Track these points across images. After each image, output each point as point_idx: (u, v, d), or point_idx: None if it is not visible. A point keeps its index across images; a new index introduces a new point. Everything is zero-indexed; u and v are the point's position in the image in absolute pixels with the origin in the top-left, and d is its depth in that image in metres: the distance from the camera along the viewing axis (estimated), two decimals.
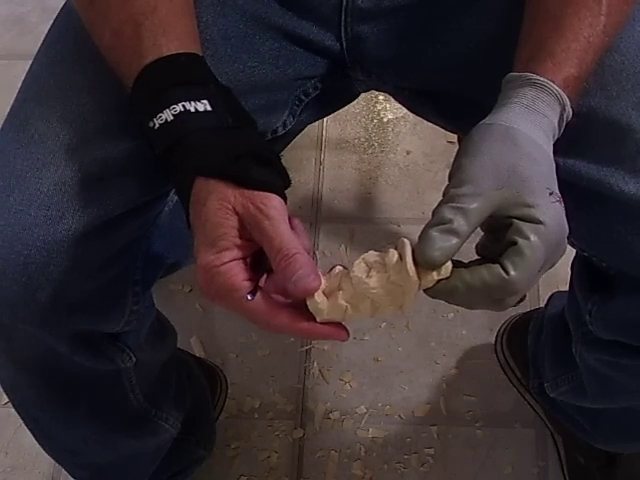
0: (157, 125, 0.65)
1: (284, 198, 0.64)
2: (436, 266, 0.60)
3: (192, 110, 0.65)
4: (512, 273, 0.60)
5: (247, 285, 0.62)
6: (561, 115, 0.67)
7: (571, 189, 0.74)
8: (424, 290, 0.62)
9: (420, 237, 0.61)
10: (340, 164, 1.53)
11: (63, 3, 0.84)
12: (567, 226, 0.64)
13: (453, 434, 1.29)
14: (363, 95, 1.00)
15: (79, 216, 0.72)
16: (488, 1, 0.80)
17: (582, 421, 1.10)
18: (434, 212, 0.62)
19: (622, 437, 1.07)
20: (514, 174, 0.62)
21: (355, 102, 1.01)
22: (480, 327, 1.36)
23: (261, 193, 0.63)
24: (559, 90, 0.66)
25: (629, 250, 0.74)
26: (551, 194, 0.63)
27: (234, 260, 0.62)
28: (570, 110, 0.68)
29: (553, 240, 0.62)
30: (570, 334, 0.95)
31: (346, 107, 1.01)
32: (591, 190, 0.73)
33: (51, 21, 0.83)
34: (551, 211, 0.62)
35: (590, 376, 0.96)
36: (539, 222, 0.61)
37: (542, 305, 1.22)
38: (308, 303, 0.62)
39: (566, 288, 0.96)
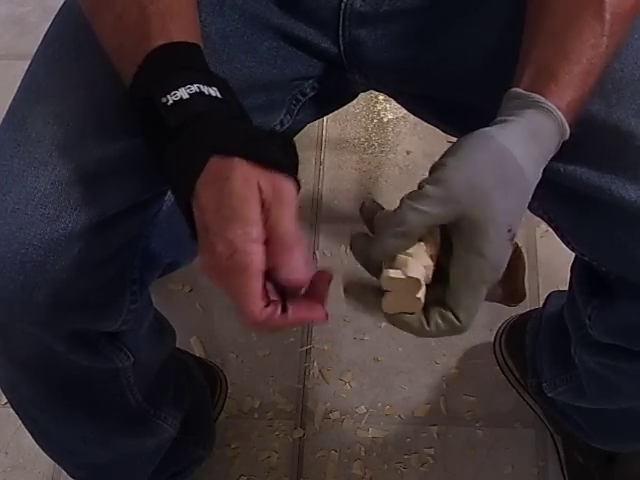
0: (171, 101, 0.64)
1: (298, 184, 0.64)
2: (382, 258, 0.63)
3: (206, 93, 0.65)
4: (464, 321, 0.63)
5: (260, 272, 0.61)
6: (559, 142, 0.67)
7: (572, 195, 0.75)
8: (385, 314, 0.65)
9: (377, 233, 0.65)
10: (340, 164, 1.53)
11: (62, 2, 0.84)
12: (505, 265, 0.65)
13: (453, 434, 1.29)
14: (363, 95, 1.00)
15: (76, 215, 0.72)
16: (487, 8, 0.79)
17: (580, 421, 1.10)
18: (399, 205, 0.64)
19: (620, 437, 1.07)
20: (486, 199, 0.62)
21: (355, 102, 1.01)
22: (480, 327, 1.36)
23: (280, 176, 0.62)
24: (562, 118, 0.66)
25: (629, 257, 0.74)
26: (509, 231, 0.63)
27: (258, 241, 0.61)
28: (568, 134, 0.67)
29: (489, 276, 0.63)
30: (568, 334, 0.95)
31: (346, 107, 1.01)
32: (592, 196, 0.73)
33: (51, 21, 0.83)
34: (498, 249, 0.63)
35: (589, 378, 0.96)
36: (482, 255, 0.62)
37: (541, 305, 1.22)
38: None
39: (566, 288, 0.96)
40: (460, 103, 0.70)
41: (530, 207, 0.81)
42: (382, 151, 1.54)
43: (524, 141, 0.65)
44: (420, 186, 0.64)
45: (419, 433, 1.29)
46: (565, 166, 0.73)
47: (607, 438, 1.09)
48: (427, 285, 0.63)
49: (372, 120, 1.57)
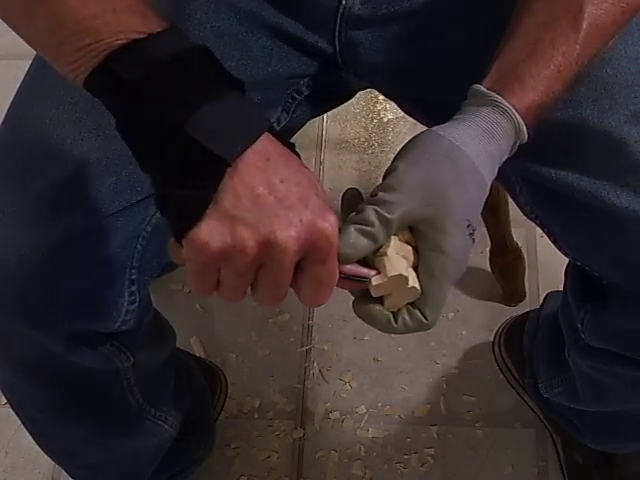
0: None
1: None
2: (344, 261, 0.62)
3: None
4: (430, 319, 0.64)
5: None
6: (515, 142, 0.67)
7: (564, 201, 0.75)
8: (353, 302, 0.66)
9: (341, 230, 0.62)
10: (340, 164, 1.53)
11: None
12: (468, 259, 0.65)
13: (453, 434, 1.29)
14: (363, 95, 0.99)
15: (73, 216, 0.72)
16: (483, 13, 0.79)
17: (576, 421, 1.10)
18: (360, 209, 0.63)
19: (615, 438, 1.07)
20: (442, 196, 0.63)
21: (355, 102, 1.00)
22: (480, 327, 1.36)
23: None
24: (519, 119, 0.66)
25: (621, 263, 0.75)
26: (468, 226, 0.64)
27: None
28: (526, 136, 0.67)
29: (456, 272, 0.64)
30: (564, 336, 0.95)
31: (346, 107, 1.01)
32: (583, 202, 0.73)
33: None
34: (459, 243, 0.64)
35: (583, 381, 0.96)
36: (443, 251, 0.63)
37: None
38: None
39: None
40: (454, 106, 0.71)
41: (523, 212, 0.82)
42: (382, 151, 1.54)
43: (476, 138, 0.65)
44: (373, 194, 0.64)
45: (419, 433, 1.29)
46: (557, 171, 0.73)
47: (602, 439, 1.10)
48: (416, 268, 0.64)
49: (372, 120, 1.57)
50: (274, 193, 0.57)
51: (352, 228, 0.62)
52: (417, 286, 0.63)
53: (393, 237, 0.64)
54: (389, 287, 0.63)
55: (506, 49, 0.69)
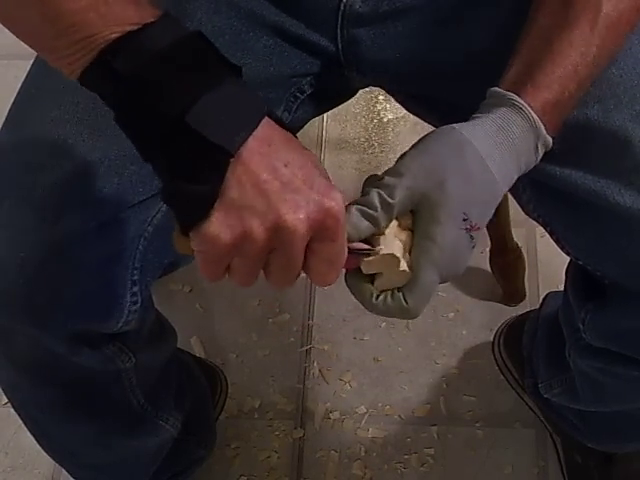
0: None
1: None
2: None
3: None
4: (410, 303, 0.65)
5: None
6: (536, 144, 0.67)
7: (567, 199, 0.75)
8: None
9: (346, 209, 0.63)
10: (340, 164, 1.53)
11: None
12: (466, 256, 0.66)
13: (453, 434, 1.29)
14: (363, 95, 0.99)
15: (75, 217, 0.72)
16: (484, 8, 0.79)
17: (575, 421, 1.10)
18: (366, 191, 0.65)
19: (615, 438, 1.07)
20: (441, 185, 0.64)
21: (355, 102, 1.00)
22: (480, 327, 1.36)
23: None
24: (535, 117, 0.66)
25: (623, 262, 0.75)
26: (465, 220, 0.64)
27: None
28: (549, 139, 0.68)
29: (444, 263, 0.65)
30: (564, 336, 0.95)
31: (346, 107, 1.01)
32: (587, 201, 0.74)
33: None
34: (450, 234, 0.64)
35: (583, 381, 0.96)
36: (432, 238, 0.64)
37: None
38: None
39: None
40: (457, 103, 0.71)
41: (525, 211, 0.82)
42: (382, 151, 1.54)
43: (490, 135, 0.66)
44: (380, 178, 0.65)
45: (419, 433, 1.29)
46: (561, 170, 0.73)
47: (602, 439, 1.10)
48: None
49: (372, 120, 1.57)
50: (279, 178, 0.58)
51: (354, 209, 0.64)
52: (408, 270, 0.64)
53: (394, 222, 0.65)
54: (380, 265, 0.64)
55: (523, 50, 0.70)
